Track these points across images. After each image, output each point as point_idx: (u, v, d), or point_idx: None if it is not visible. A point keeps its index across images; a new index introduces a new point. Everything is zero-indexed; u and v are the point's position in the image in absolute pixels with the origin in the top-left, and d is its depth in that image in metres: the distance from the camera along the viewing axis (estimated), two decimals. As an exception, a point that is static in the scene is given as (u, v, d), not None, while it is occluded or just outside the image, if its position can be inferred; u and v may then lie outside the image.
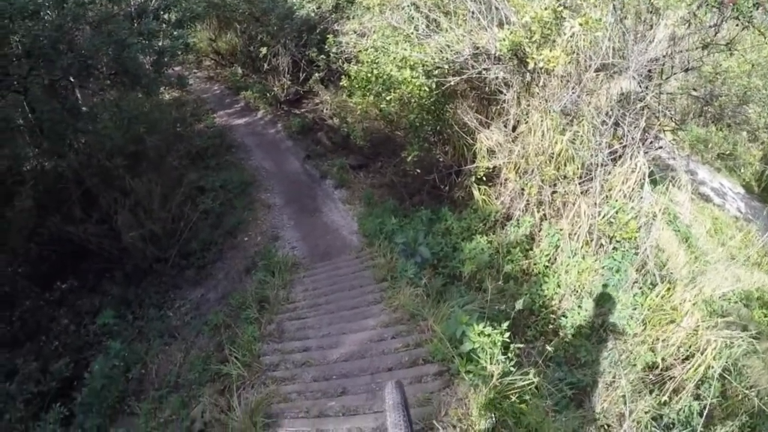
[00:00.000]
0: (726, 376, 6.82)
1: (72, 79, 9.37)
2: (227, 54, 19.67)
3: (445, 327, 5.97)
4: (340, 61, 13.07)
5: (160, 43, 10.74)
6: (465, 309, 7.07)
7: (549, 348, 7.42)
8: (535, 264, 9.10)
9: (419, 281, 7.82)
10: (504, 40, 7.65)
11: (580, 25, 6.75)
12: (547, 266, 8.95)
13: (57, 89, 8.92)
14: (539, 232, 9.58)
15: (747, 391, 6.66)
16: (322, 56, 15.08)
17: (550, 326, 8.24)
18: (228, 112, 17.26)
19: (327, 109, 16.45)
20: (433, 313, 6.93)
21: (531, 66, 7.74)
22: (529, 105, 9.11)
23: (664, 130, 9.80)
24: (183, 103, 16.09)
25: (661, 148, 9.52)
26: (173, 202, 11.08)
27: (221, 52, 19.91)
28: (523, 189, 9.78)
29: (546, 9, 7.31)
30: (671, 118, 9.57)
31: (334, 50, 12.80)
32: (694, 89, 9.96)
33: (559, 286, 8.61)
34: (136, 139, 11.17)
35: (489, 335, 5.45)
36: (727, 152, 15.90)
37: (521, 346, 6.43)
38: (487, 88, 9.79)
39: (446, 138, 11.40)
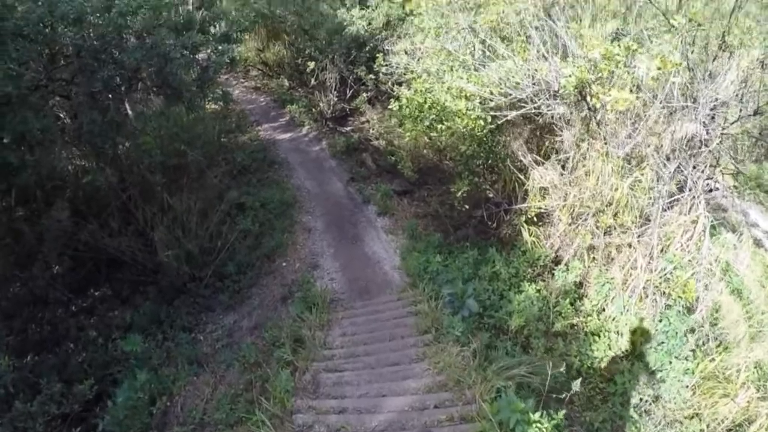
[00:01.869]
0: None
1: (114, 91, 9.06)
2: (274, 65, 19.43)
3: (495, 409, 5.40)
4: (389, 82, 12.64)
5: (204, 57, 10.37)
6: (512, 375, 6.68)
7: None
8: (584, 318, 8.50)
9: (466, 340, 7.24)
10: (570, 76, 7.05)
11: (658, 68, 6.10)
12: (599, 324, 8.32)
13: (98, 100, 8.59)
14: (588, 279, 8.97)
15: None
16: (371, 75, 14.75)
17: (598, 393, 7.65)
18: (273, 126, 16.95)
19: (373, 130, 16.01)
20: (479, 379, 6.37)
21: (596, 105, 7.15)
22: (589, 146, 8.48)
23: (723, 173, 9.11)
24: (227, 115, 15.77)
25: (717, 190, 8.81)
26: (212, 221, 10.82)
27: (269, 63, 19.67)
28: (575, 233, 9.19)
29: (618, 45, 6.70)
30: (734, 161, 8.83)
31: (383, 70, 12.37)
32: (761, 132, 9.18)
33: (610, 348, 8.00)
34: (176, 153, 10.87)
35: (545, 425, 4.89)
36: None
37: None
38: (541, 120, 9.20)
39: (497, 172, 10.83)
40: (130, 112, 10.29)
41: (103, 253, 9.83)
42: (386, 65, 12.01)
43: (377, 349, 7.70)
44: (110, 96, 9.19)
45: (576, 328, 8.44)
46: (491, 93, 8.42)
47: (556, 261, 9.53)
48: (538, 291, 8.65)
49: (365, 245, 11.63)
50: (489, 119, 9.04)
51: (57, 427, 7.20)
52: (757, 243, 14.04)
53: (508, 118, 8.79)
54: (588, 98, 7.84)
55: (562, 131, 8.94)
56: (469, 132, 9.54)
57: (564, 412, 5.11)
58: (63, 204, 9.71)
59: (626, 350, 7.99)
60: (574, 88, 7.30)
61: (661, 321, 8.01)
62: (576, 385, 5.53)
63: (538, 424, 4.95)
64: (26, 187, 9.12)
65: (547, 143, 9.85)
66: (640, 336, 7.96)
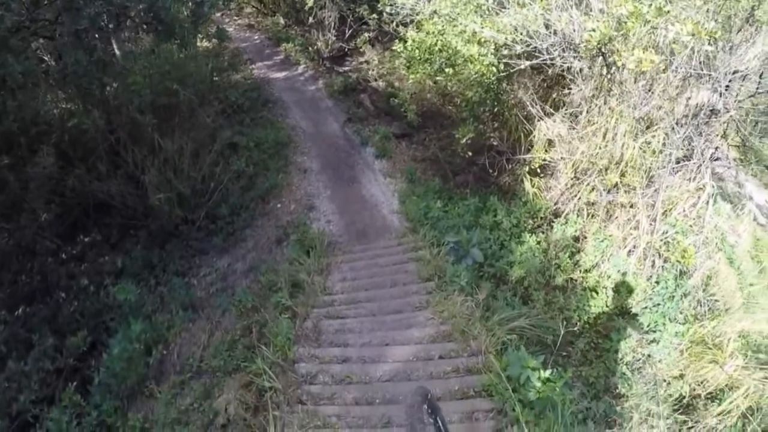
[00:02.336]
0: (748, 415, 6.34)
1: (102, 29, 8.46)
2: (270, 2, 18.61)
3: (504, 363, 5.22)
4: (393, 23, 12.03)
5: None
6: (514, 327, 6.60)
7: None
8: (583, 274, 8.38)
9: (470, 290, 7.04)
10: (594, 31, 6.60)
11: (691, 34, 5.69)
12: (597, 280, 8.19)
13: (83, 39, 8.01)
14: (586, 234, 8.79)
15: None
16: (374, 15, 14.11)
17: (593, 348, 7.61)
18: (267, 64, 16.30)
19: (373, 71, 15.42)
20: (484, 331, 6.21)
21: (618, 64, 6.74)
22: (604, 103, 8.11)
23: (729, 146, 8.87)
24: (220, 53, 15.10)
25: (719, 160, 8.60)
26: (204, 162, 10.44)
27: (263, 0, 18.77)
28: (577, 188, 8.94)
29: (648, 5, 6.25)
30: (744, 135, 8.57)
31: (387, 10, 11.72)
32: None
33: (607, 306, 7.93)
34: (167, 92, 10.35)
35: (555, 383, 4.73)
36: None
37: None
38: (551, 72, 8.78)
39: (502, 121, 10.43)
40: (117, 51, 9.68)
41: (91, 198, 9.48)
42: (391, 5, 11.37)
43: (379, 295, 7.48)
44: (96, 35, 8.60)
45: (575, 282, 8.31)
46: (507, 40, 7.93)
47: (556, 214, 9.31)
48: (538, 243, 8.47)
49: (362, 187, 11.31)
50: (501, 67, 8.57)
51: (52, 383, 7.05)
52: (751, 215, 13.90)
53: (522, 67, 8.33)
54: (608, 55, 7.42)
55: (573, 85, 8.53)
56: (479, 78, 9.06)
57: (570, 371, 4.95)
58: (48, 150, 9.30)
59: (622, 307, 7.91)
60: (597, 43, 6.86)
61: (658, 283, 7.90)
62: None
63: (550, 382, 4.78)
64: (9, 134, 8.59)
65: (555, 95, 9.48)
66: (638, 298, 7.90)
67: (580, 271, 8.42)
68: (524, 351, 5.16)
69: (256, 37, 18.29)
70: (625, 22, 6.46)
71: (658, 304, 7.76)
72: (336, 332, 6.68)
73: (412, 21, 10.80)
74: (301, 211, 10.51)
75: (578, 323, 7.71)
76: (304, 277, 8.04)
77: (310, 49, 16.00)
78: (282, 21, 17.74)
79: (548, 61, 7.93)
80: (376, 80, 15.09)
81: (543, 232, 8.94)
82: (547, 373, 4.84)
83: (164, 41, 9.39)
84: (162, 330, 7.99)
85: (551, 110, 9.32)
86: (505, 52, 8.28)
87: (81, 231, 9.95)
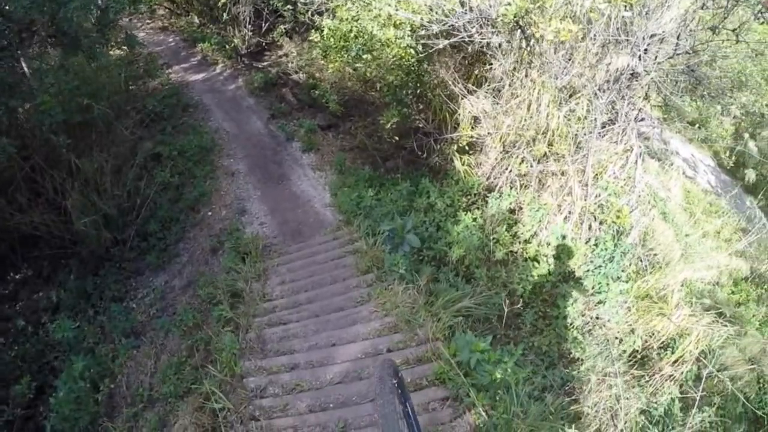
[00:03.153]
0: (702, 359, 6.70)
1: (3, 48, 7.92)
2: (182, 2, 17.87)
3: (453, 349, 5.24)
4: (309, 12, 11.80)
5: (101, -1, 9.24)
6: (459, 308, 6.64)
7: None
8: (523, 245, 8.53)
9: (411, 278, 7.03)
10: (510, 4, 6.61)
11: (608, 2, 5.75)
12: (536, 250, 8.33)
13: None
14: (521, 205, 8.93)
15: (721, 375, 6.52)
16: (288, 6, 13.81)
17: (542, 317, 7.79)
18: (184, 67, 15.73)
19: (292, 63, 15.10)
20: (429, 317, 6.23)
21: (537, 36, 6.79)
22: (526, 75, 8.18)
23: (652, 107, 9.16)
24: (133, 60, 14.47)
25: (644, 120, 8.87)
26: (128, 177, 10.08)
27: (176, 0, 18.07)
28: (507, 161, 9.05)
29: None
30: (665, 95, 8.84)
31: (301, 0, 11.54)
32: (692, 69, 9.21)
33: (550, 274, 8.08)
34: (79, 109, 9.82)
35: (506, 363, 4.77)
36: (700, 122, 15.41)
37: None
38: (470, 49, 8.78)
39: (426, 102, 10.40)
40: (26, 69, 9.10)
41: (14, 231, 9.03)
42: None
43: (320, 294, 7.37)
44: (5, 51, 8.06)
45: (515, 254, 8.42)
46: (423, 20, 7.85)
47: (489, 189, 9.38)
48: (474, 220, 8.53)
49: (293, 184, 11.12)
50: (419, 48, 8.49)
51: None
52: (679, 169, 14.54)
53: (440, 47, 8.28)
54: (525, 28, 7.45)
55: (493, 60, 8.55)
56: (398, 62, 8.97)
57: (522, 346, 5.01)
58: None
59: (565, 273, 8.08)
60: (513, 17, 6.87)
61: (597, 245, 8.10)
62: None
63: (501, 363, 4.82)
64: None
65: (477, 72, 9.46)
66: (578, 262, 8.07)
67: (519, 243, 8.54)
68: (471, 335, 5.18)
69: (170, 40, 17.58)
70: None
71: (600, 266, 7.96)
72: (281, 340, 6.56)
73: (327, 9, 10.64)
74: (233, 217, 10.25)
75: (524, 295, 7.83)
76: (242, 285, 7.86)
77: (227, 47, 15.50)
78: (197, 20, 17.10)
79: (467, 39, 7.90)
80: (296, 72, 14.78)
81: (478, 209, 9.01)
82: (496, 354, 4.88)
83: (71, 54, 8.87)
84: (107, 362, 7.70)
85: (474, 87, 9.35)
86: (422, 33, 8.21)
87: (10, 268, 9.50)
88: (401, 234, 7.78)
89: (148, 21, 18.82)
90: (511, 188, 9.03)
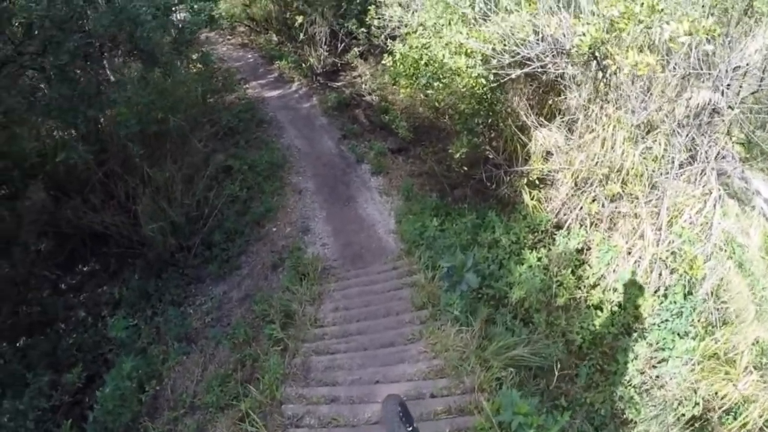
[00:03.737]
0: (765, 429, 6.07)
1: (87, 61, 8.23)
2: (262, 20, 18.28)
3: (495, 407, 4.87)
4: (382, 36, 11.73)
5: (180, 16, 9.47)
6: (513, 355, 6.24)
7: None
8: (587, 291, 7.99)
9: (465, 320, 6.69)
10: (584, 35, 6.23)
11: (688, 34, 5.29)
12: (601, 297, 7.78)
13: (67, 72, 7.76)
14: (590, 245, 8.41)
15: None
16: (363, 29, 13.78)
17: (599, 371, 7.21)
18: (261, 83, 16.03)
19: (366, 85, 15.11)
20: (479, 364, 5.87)
21: (613, 68, 6.38)
22: (601, 109, 7.74)
23: (733, 143, 8.44)
24: (212, 74, 14.88)
25: (725, 158, 8.17)
26: (198, 187, 10.20)
27: (256, 18, 18.51)
28: (578, 198, 8.58)
29: (640, 3, 5.86)
30: (748, 132, 8.14)
31: (375, 23, 11.52)
32: None
33: (612, 325, 7.49)
34: (156, 121, 10.12)
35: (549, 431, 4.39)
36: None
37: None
38: (545, 78, 8.42)
39: (497, 132, 10.08)
40: (112, 78, 9.47)
41: (87, 228, 9.29)
42: (379, 18, 11.15)
43: (371, 327, 7.15)
44: (83, 67, 8.39)
45: (578, 300, 7.90)
46: (494, 50, 7.56)
47: (557, 226, 8.92)
48: (539, 259, 8.06)
49: (359, 207, 11.01)
50: (491, 77, 8.22)
51: (48, 420, 6.91)
52: (761, 212, 13.45)
53: (512, 76, 7.98)
54: (601, 59, 7.05)
55: (567, 92, 8.17)
56: (470, 90, 8.72)
57: (569, 413, 4.60)
58: (38, 185, 9.17)
59: (629, 325, 7.52)
60: (588, 48, 6.49)
61: (666, 297, 7.49)
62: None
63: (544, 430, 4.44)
64: (2, 168, 8.53)
65: (550, 102, 9.10)
66: (645, 312, 7.50)
67: (584, 288, 8.03)
68: (516, 394, 4.79)
69: (249, 56, 18.00)
70: (618, 23, 6.09)
71: (667, 320, 7.34)
72: (325, 369, 6.36)
73: (401, 34, 10.52)
74: (296, 235, 10.23)
75: (582, 345, 7.33)
76: (296, 307, 7.77)
77: (303, 65, 15.73)
78: (275, 38, 17.45)
79: (540, 69, 7.57)
80: (369, 94, 14.79)
81: (545, 246, 8.56)
82: (540, 420, 4.49)
83: (150, 69, 9.15)
84: (156, 363, 7.77)
85: (546, 121, 8.97)
86: (494, 62, 7.93)
87: (80, 261, 9.82)
88: (460, 272, 7.42)
89: (229, 37, 19.35)
90: (581, 227, 8.53)
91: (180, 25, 9.35)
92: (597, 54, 6.97)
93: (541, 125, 8.95)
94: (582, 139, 8.23)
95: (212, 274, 9.55)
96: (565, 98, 8.45)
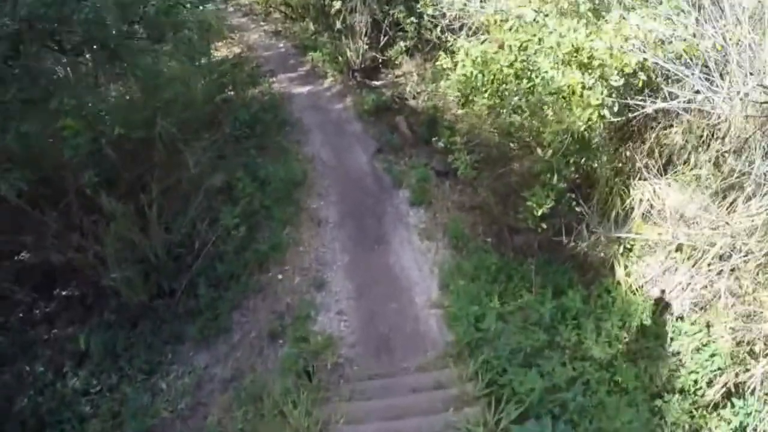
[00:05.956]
0: None
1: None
2: (298, 6, 15.56)
3: None
4: (438, 28, 9.17)
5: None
6: None
7: None
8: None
9: None
10: None
11: None
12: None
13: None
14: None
15: None
16: (412, 19, 11.03)
17: None
18: (289, 77, 13.23)
19: (410, 87, 12.05)
20: None
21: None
22: None
23: None
24: (239, 62, 12.36)
25: None
26: (185, 217, 7.67)
27: (292, 4, 15.82)
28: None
29: None
30: None
31: (429, 11, 8.90)
32: None
33: None
34: (143, 125, 7.41)
35: None
36: None
37: None
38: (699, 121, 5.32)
39: (585, 172, 6.96)
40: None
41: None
42: (434, 5, 8.44)
43: None
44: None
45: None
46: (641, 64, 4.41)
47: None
48: (641, 383, 5.09)
49: (391, 253, 8.15)
50: (615, 109, 5.08)
51: None
52: None
53: (648, 111, 4.84)
54: None
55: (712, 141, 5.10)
56: (586, 125, 5.52)
57: None
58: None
59: None
60: None
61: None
62: None
63: None
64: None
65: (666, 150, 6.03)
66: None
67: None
68: None
69: (281, 45, 15.26)
70: None
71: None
72: None
73: (462, 27, 7.79)
74: (307, 290, 7.55)
75: None
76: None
77: (339, 59, 12.80)
78: (311, 27, 14.63)
79: (695, 105, 4.44)
80: (414, 98, 11.78)
81: (650, 356, 5.56)
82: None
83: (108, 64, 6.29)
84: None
85: (659, 173, 5.93)
86: (620, 82, 4.79)
87: (60, 283, 7.67)
88: None
89: (263, 23, 16.82)
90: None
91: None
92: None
93: (654, 176, 5.91)
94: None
95: (195, 336, 7.04)
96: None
